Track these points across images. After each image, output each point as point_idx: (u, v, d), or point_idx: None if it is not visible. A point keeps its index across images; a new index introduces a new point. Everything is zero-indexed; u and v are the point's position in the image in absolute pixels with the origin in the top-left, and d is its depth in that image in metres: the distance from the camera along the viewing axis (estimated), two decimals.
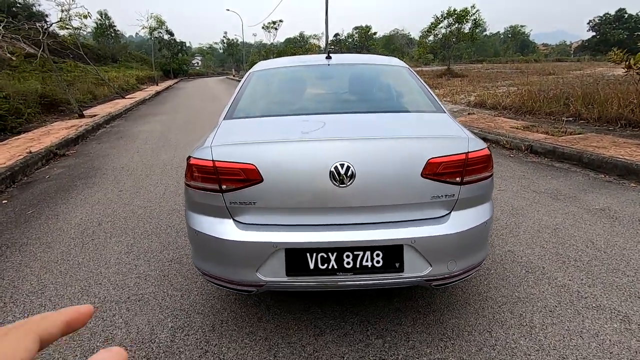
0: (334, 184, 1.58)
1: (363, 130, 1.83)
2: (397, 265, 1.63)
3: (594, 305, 2.11)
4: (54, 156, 6.07)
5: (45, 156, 5.80)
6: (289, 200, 1.63)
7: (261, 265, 1.63)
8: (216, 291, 2.32)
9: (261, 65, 2.85)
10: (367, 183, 1.60)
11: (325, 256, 1.62)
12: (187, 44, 57.94)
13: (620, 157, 4.55)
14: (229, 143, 1.73)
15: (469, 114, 8.57)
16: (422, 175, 1.61)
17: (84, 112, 10.08)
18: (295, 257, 1.62)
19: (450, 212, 1.70)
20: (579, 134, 5.97)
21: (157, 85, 27.15)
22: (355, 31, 61.47)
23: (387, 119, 2.01)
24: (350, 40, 61.65)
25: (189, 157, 1.76)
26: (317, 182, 1.59)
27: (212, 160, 1.65)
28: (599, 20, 50.08)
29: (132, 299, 2.29)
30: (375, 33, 60.15)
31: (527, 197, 3.77)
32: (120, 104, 13.24)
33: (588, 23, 51.90)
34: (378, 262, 1.62)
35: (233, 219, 1.69)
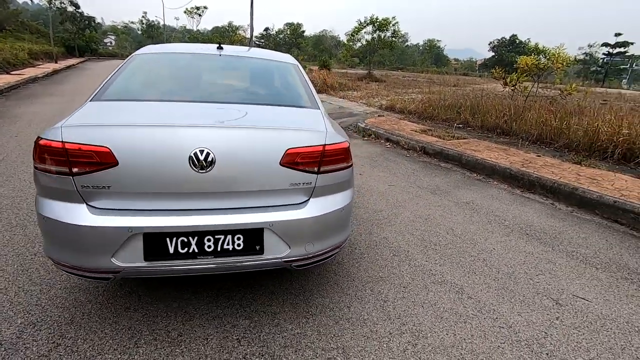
0: (194, 169, 1.62)
1: (228, 119, 1.89)
2: (257, 247, 1.73)
3: (439, 280, 2.48)
4: None
5: None
6: (146, 185, 1.62)
7: (117, 250, 1.59)
8: (82, 283, 2.19)
9: (148, 48, 2.74)
10: (227, 170, 1.67)
11: (186, 240, 1.65)
12: (98, 20, 51.71)
13: (489, 159, 5.35)
14: (81, 124, 1.65)
15: (379, 115, 9.23)
16: (280, 163, 1.74)
17: None
18: (154, 241, 1.62)
19: (309, 199, 1.85)
20: (464, 139, 6.86)
21: (55, 62, 23.80)
22: (286, 27, 61.19)
23: (259, 111, 2.10)
24: (281, 36, 61.20)
25: (38, 137, 1.63)
26: (176, 168, 1.61)
27: (62, 142, 1.56)
28: (497, 42, 57.60)
29: None
30: (304, 31, 60.63)
31: (411, 192, 4.23)
32: (1, 80, 11.34)
33: (489, 44, 59.38)
34: (239, 245, 1.71)
35: (86, 204, 1.62)
